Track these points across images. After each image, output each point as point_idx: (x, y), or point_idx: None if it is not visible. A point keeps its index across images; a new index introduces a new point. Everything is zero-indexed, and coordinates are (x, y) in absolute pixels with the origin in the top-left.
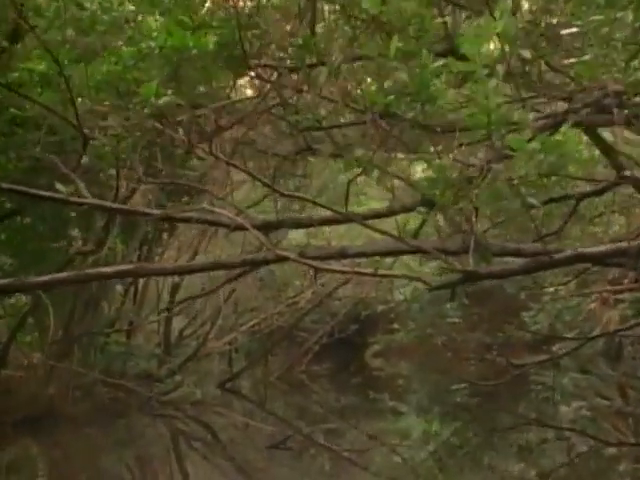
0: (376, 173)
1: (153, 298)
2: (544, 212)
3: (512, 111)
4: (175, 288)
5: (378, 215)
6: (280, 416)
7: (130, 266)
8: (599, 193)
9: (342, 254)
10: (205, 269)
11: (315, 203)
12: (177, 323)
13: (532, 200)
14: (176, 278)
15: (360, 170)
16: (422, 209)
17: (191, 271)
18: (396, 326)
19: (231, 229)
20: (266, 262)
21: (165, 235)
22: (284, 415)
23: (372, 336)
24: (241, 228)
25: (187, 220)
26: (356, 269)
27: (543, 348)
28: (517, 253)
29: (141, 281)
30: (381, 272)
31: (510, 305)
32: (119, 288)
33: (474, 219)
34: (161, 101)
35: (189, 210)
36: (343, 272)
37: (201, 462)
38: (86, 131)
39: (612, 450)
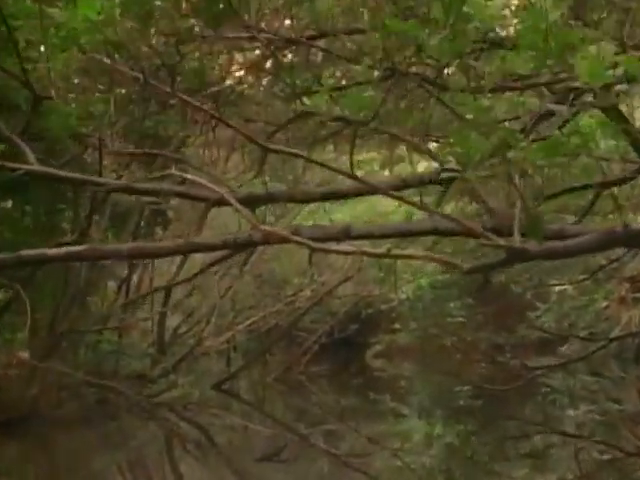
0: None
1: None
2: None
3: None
4: (169, 284)
5: (390, 188)
6: (277, 418)
7: (81, 248)
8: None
9: (345, 234)
10: (180, 251)
11: (322, 165)
12: (173, 321)
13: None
14: (172, 274)
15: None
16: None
17: (162, 254)
18: (398, 326)
19: (210, 204)
20: (252, 243)
21: (159, 229)
22: (282, 417)
23: (373, 336)
24: (222, 203)
25: (155, 193)
26: (364, 249)
27: (550, 349)
28: (560, 235)
29: (135, 278)
30: (395, 252)
31: (516, 304)
32: (112, 285)
33: (518, 182)
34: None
35: (156, 179)
36: (345, 253)
37: (194, 466)
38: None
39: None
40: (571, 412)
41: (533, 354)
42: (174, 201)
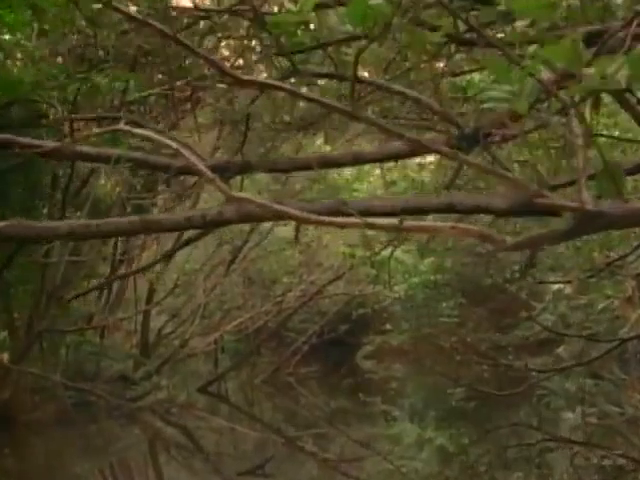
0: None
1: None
2: None
3: None
4: (153, 284)
5: (392, 157)
6: (266, 421)
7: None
8: None
9: (338, 210)
10: (135, 230)
11: (321, 104)
12: (159, 322)
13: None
14: (155, 274)
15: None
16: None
17: (111, 234)
18: (389, 327)
19: (172, 173)
20: (224, 221)
21: None
22: (270, 420)
23: (364, 337)
24: (187, 172)
25: (103, 159)
26: (368, 220)
27: (546, 350)
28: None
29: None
30: (407, 224)
31: (511, 305)
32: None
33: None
34: None
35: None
36: (342, 225)
37: (179, 471)
38: None
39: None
40: (569, 415)
41: (528, 355)
42: (160, 198)
